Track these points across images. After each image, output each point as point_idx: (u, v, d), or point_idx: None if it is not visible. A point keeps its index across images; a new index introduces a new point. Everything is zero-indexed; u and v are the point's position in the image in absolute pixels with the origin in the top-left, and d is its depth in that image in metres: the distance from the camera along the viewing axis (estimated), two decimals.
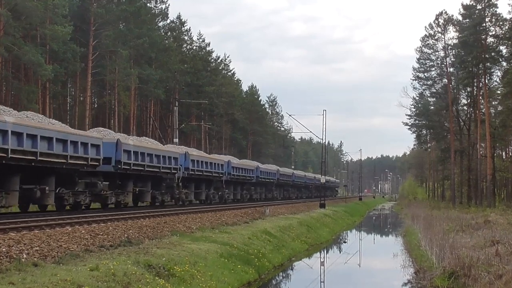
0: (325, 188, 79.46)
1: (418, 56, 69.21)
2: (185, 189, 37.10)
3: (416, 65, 69.58)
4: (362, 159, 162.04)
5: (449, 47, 65.10)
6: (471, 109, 66.34)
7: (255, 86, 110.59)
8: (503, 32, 56.07)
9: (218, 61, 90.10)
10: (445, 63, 65.75)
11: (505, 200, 60.68)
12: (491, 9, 57.36)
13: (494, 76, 62.66)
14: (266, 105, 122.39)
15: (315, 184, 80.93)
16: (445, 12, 65.05)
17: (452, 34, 65.59)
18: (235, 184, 48.59)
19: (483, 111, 59.35)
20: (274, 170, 61.57)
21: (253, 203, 47.14)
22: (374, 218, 78.60)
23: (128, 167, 28.04)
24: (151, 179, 31.95)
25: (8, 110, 21.94)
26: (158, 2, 69.11)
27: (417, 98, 75.00)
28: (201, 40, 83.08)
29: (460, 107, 70.44)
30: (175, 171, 34.25)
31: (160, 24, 71.39)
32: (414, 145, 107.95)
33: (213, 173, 40.93)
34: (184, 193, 36.56)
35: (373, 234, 51.32)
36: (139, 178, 30.51)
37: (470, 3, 59.71)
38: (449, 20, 64.55)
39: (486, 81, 59.29)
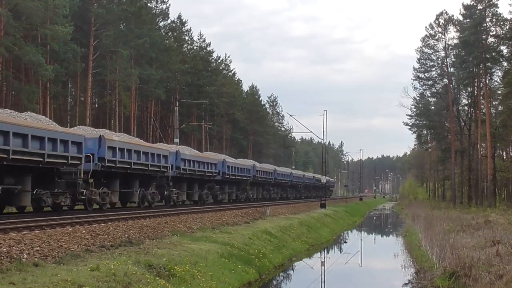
0: (316, 187, 78.81)
1: (418, 56, 69.20)
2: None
3: (417, 65, 69.58)
4: (363, 159, 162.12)
5: (450, 47, 65.11)
6: (472, 109, 66.35)
7: (256, 86, 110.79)
8: (503, 32, 56.08)
9: (219, 61, 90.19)
10: (445, 63, 65.74)
11: (506, 200, 60.65)
12: (491, 9, 57.39)
13: (495, 76, 62.71)
14: (267, 105, 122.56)
15: (305, 183, 78.75)
16: (446, 12, 65.07)
17: (452, 34, 65.79)
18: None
19: (483, 111, 59.32)
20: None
21: (254, 203, 46.99)
22: (374, 218, 78.60)
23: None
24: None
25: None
26: (159, 2, 69.17)
27: (417, 98, 75.07)
28: (201, 40, 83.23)
29: (461, 107, 70.46)
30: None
31: (161, 24, 71.51)
32: (415, 145, 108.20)
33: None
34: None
35: (373, 234, 51.32)
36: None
37: (471, 3, 59.73)
38: (450, 20, 64.52)
39: (487, 81, 59.27)
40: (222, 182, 44.79)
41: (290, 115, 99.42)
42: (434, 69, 68.52)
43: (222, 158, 45.35)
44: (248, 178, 50.86)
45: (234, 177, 46.56)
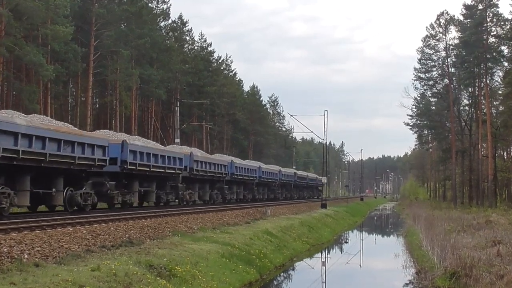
0: (297, 187, 72.28)
1: (419, 57, 69.26)
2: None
3: (418, 66, 69.62)
4: (364, 159, 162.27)
5: (451, 47, 65.14)
6: (473, 109, 66.39)
7: (256, 87, 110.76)
8: (504, 32, 56.14)
9: (220, 61, 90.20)
10: (446, 63, 65.73)
11: (507, 201, 60.66)
12: (492, 9, 57.44)
13: (496, 76, 62.79)
14: (268, 106, 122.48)
15: (283, 181, 68.61)
16: (447, 12, 65.11)
17: (453, 34, 65.60)
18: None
19: (484, 111, 59.34)
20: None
21: (254, 204, 47.07)
22: (375, 218, 78.59)
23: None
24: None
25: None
26: (160, 2, 69.18)
27: (418, 98, 75.06)
28: (202, 40, 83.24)
29: (462, 107, 70.50)
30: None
31: (162, 24, 71.49)
32: (416, 145, 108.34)
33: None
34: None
35: (374, 235, 51.32)
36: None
37: (472, 3, 59.77)
38: (451, 20, 64.53)
39: (488, 81, 59.29)
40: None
41: (291, 115, 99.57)
42: (435, 69, 68.60)
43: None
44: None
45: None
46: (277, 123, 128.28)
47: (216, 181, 42.55)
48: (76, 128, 28.17)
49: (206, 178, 39.64)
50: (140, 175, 29.74)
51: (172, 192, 34.49)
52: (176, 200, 35.78)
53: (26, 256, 13.10)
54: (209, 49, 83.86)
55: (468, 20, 60.64)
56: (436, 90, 70.42)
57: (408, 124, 79.83)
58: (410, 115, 77.40)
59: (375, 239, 46.62)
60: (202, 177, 38.83)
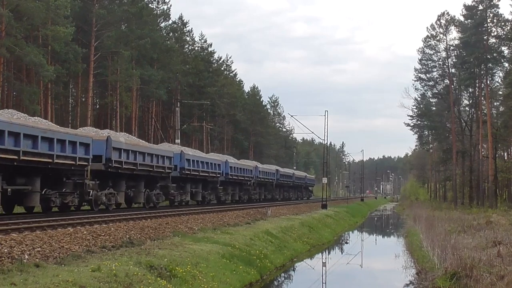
0: (280, 186, 64.27)
1: (420, 57, 69.30)
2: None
3: (418, 66, 69.68)
4: (364, 160, 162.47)
5: (451, 47, 65.17)
6: (473, 110, 66.38)
7: (257, 87, 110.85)
8: (504, 32, 56.14)
9: (220, 62, 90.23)
10: (447, 64, 65.78)
11: (507, 201, 60.61)
12: (492, 10, 57.46)
13: (496, 77, 62.89)
14: (268, 106, 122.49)
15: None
16: (447, 13, 65.15)
17: (454, 35, 65.78)
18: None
19: (484, 112, 59.34)
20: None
21: (254, 204, 46.98)
22: (376, 219, 78.57)
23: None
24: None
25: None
26: (160, 3, 69.12)
27: (419, 98, 75.11)
28: (203, 41, 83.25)
29: (462, 108, 70.50)
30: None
31: (162, 25, 71.46)
32: (416, 146, 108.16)
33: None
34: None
35: (375, 235, 51.29)
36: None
37: (472, 4, 59.78)
38: (451, 21, 64.56)
39: (488, 82, 59.32)
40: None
41: (291, 116, 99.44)
42: (435, 69, 68.67)
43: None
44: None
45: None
46: (277, 124, 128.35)
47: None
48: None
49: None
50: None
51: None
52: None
53: (26, 256, 13.10)
54: (210, 49, 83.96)
55: (469, 20, 60.65)
56: (436, 91, 70.47)
57: (408, 125, 79.98)
58: (411, 116, 77.54)
59: (376, 240, 46.60)
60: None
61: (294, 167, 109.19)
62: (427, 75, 69.39)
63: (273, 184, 59.92)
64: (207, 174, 39.60)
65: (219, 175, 42.05)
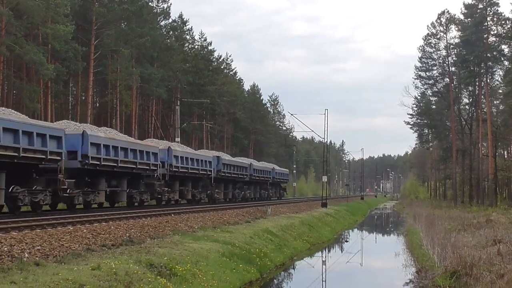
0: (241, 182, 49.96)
1: (420, 55, 69.29)
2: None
3: (418, 64, 69.66)
4: (364, 158, 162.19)
5: (451, 46, 65.13)
6: (473, 108, 66.35)
7: (257, 86, 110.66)
8: (504, 31, 56.10)
9: (220, 60, 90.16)
10: (447, 62, 65.79)
11: (507, 200, 60.58)
12: (492, 8, 57.41)
13: (496, 75, 62.83)
14: (268, 105, 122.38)
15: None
16: (447, 11, 65.10)
17: (454, 33, 65.53)
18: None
19: (484, 110, 59.32)
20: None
21: (253, 203, 46.82)
22: (375, 217, 78.61)
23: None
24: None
25: None
26: (160, 1, 69.07)
27: (419, 97, 75.11)
28: (202, 39, 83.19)
29: (462, 106, 70.45)
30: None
31: (162, 23, 71.40)
32: (416, 144, 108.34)
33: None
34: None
35: (374, 233, 51.32)
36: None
37: (472, 2, 59.71)
38: (451, 19, 64.54)
39: (488, 80, 59.28)
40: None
41: (292, 114, 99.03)
42: (435, 68, 68.67)
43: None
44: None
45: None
46: (277, 122, 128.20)
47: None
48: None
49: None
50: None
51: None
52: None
53: (26, 255, 13.10)
54: (209, 48, 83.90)
55: (469, 19, 60.60)
56: (436, 89, 70.48)
57: (408, 123, 79.99)
58: (411, 114, 77.51)
59: (376, 238, 46.62)
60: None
61: (294, 166, 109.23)
62: (427, 73, 69.44)
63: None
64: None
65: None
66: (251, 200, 51.19)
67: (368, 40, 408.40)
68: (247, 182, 49.48)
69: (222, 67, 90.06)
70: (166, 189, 34.01)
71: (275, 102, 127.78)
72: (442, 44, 65.99)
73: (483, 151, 62.45)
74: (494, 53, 58.03)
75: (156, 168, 31.60)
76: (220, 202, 43.90)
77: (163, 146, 34.31)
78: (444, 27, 65.03)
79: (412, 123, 79.76)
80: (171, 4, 76.85)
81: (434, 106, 75.64)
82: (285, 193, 67.04)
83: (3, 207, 22.11)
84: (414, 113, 77.13)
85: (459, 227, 29.85)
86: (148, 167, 30.58)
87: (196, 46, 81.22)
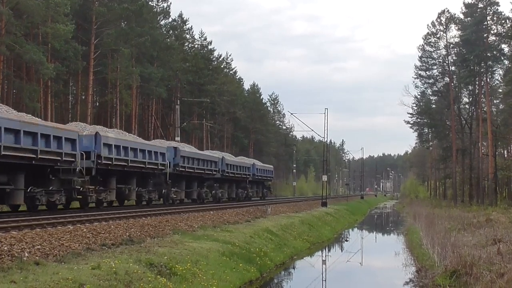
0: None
1: (420, 54, 69.27)
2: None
3: (418, 63, 69.65)
4: (364, 157, 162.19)
5: (451, 45, 65.11)
6: (473, 107, 66.34)
7: (257, 85, 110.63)
8: (505, 30, 56.08)
9: (220, 59, 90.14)
10: (447, 62, 65.76)
11: (507, 199, 60.56)
12: (492, 8, 57.40)
13: (496, 74, 62.80)
14: (268, 104, 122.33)
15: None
16: (447, 11, 65.10)
17: (454, 33, 65.54)
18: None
19: (484, 109, 59.32)
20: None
21: (253, 202, 46.79)
22: (375, 216, 78.60)
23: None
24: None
25: None
26: (160, 0, 69.08)
27: (419, 96, 75.10)
28: (202, 38, 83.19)
29: (462, 106, 70.46)
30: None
31: (162, 22, 71.40)
32: (416, 143, 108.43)
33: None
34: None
35: (374, 233, 51.33)
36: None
37: (472, 2, 59.70)
38: (451, 19, 64.53)
39: (488, 79, 59.28)
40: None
41: (292, 114, 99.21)
42: (435, 67, 68.66)
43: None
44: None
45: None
46: (277, 122, 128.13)
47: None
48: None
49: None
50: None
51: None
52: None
53: (26, 254, 13.10)
54: (209, 47, 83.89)
55: (469, 18, 60.61)
56: (436, 88, 70.48)
57: (408, 122, 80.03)
58: (411, 113, 77.53)
59: (376, 238, 46.62)
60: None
61: (294, 165, 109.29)
62: (427, 72, 69.43)
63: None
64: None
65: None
66: (223, 201, 44.24)
67: (368, 40, 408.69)
68: (218, 180, 43.05)
69: (222, 66, 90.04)
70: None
71: (275, 101, 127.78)
72: (442, 43, 66.05)
73: (483, 151, 62.44)
74: (494, 52, 58.02)
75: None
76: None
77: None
78: (444, 26, 65.04)
79: (412, 122, 79.89)
80: (171, 3, 76.71)
81: (434, 106, 75.64)
82: (269, 193, 60.11)
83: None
84: (414, 112, 77.23)
85: (459, 227, 29.86)
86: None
87: (196, 46, 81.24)
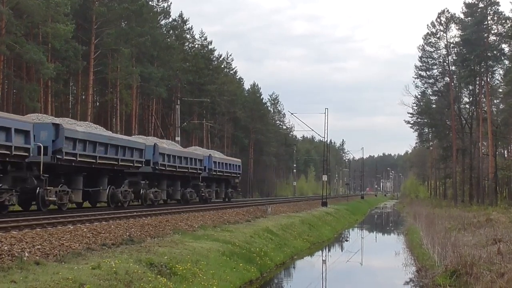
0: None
1: (420, 54, 69.28)
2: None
3: (418, 63, 69.65)
4: (364, 157, 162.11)
5: (451, 45, 65.12)
6: (473, 107, 66.35)
7: (257, 85, 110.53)
8: (505, 30, 56.11)
9: (220, 59, 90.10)
10: (447, 61, 65.78)
11: (507, 199, 60.59)
12: (493, 7, 57.43)
13: (496, 74, 62.85)
14: (268, 104, 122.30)
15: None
16: (447, 10, 65.12)
17: (454, 32, 65.54)
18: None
19: (485, 109, 59.33)
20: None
21: (254, 201, 46.72)
22: (376, 216, 78.59)
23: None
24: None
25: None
26: (160, 0, 69.06)
27: (419, 96, 75.10)
28: (203, 38, 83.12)
29: (462, 106, 70.49)
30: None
31: (162, 22, 71.29)
32: (416, 143, 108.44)
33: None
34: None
35: (375, 233, 51.31)
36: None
37: (472, 1, 59.70)
38: (451, 18, 64.54)
39: (488, 79, 59.31)
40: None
41: (292, 113, 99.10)
42: (435, 67, 68.68)
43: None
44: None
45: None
46: (277, 121, 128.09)
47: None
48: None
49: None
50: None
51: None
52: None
53: (26, 254, 13.09)
54: (210, 47, 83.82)
55: (469, 18, 60.63)
56: (436, 88, 70.49)
57: (408, 122, 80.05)
58: (411, 113, 77.54)
59: (376, 237, 46.61)
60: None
61: (294, 165, 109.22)
62: (427, 72, 69.43)
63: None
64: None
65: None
66: (164, 204, 36.48)
67: (368, 40, 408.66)
68: (149, 176, 32.96)
69: (222, 66, 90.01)
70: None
71: (275, 101, 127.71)
72: (442, 43, 66.06)
73: (483, 150, 62.46)
74: (494, 52, 58.05)
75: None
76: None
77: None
78: (444, 26, 65.05)
79: (412, 122, 79.94)
80: (171, 3, 76.79)
81: (434, 105, 75.66)
82: (235, 193, 50.00)
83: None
84: (414, 112, 77.24)
85: (459, 226, 29.86)
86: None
87: (196, 45, 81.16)
